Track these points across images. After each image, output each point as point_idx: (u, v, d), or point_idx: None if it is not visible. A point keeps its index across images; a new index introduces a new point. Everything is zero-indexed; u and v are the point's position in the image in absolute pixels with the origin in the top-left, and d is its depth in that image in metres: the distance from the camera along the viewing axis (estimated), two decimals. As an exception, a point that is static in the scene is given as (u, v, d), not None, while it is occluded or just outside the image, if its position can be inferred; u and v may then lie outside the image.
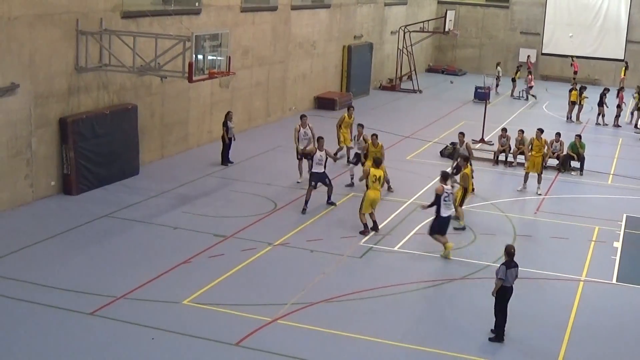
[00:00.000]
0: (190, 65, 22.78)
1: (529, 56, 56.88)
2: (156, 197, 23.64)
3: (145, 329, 15.12)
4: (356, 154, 26.55)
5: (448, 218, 20.11)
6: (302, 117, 26.90)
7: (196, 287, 17.14)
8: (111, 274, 17.76)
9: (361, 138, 26.27)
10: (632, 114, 42.00)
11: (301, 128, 26.29)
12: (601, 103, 40.82)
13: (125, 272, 17.88)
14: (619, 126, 40.26)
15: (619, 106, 40.72)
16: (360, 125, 26.80)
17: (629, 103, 43.02)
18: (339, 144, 28.41)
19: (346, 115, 28.93)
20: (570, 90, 41.93)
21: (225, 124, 27.86)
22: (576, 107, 41.16)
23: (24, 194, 22.27)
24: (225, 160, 27.95)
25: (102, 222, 21.24)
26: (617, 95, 41.35)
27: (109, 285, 16.97)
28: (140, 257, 18.89)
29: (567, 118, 41.25)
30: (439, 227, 20.00)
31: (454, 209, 20.73)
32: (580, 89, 41.64)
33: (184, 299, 16.55)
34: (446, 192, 19.81)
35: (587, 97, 41.09)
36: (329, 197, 23.74)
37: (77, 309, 15.75)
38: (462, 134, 27.28)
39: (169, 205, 22.92)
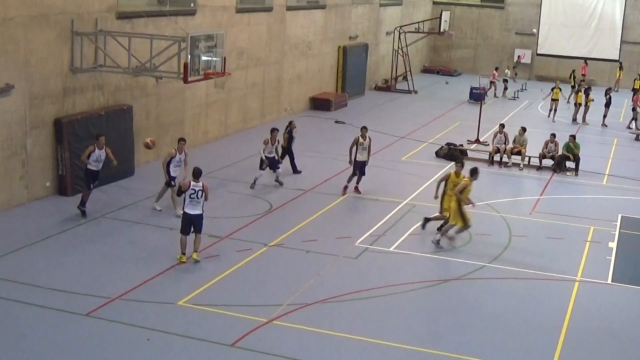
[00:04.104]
0: (185, 66, 22.79)
1: (519, 56, 57.09)
2: (151, 197, 23.59)
3: (141, 330, 15.10)
4: (268, 159, 25.23)
5: (192, 215, 18.61)
6: (181, 140, 22.87)
7: (192, 288, 17.13)
8: (107, 274, 17.74)
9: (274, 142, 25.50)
10: (555, 110, 41.95)
11: (177, 153, 22.26)
12: (608, 104, 40.92)
13: (121, 273, 17.86)
14: (630, 128, 40.07)
15: (634, 109, 40.67)
16: (276, 130, 25.81)
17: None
18: (441, 212, 21.96)
19: (453, 173, 21.81)
20: (577, 92, 42.04)
21: (290, 133, 27.39)
22: (581, 108, 41.23)
23: (19, 195, 22.24)
24: (295, 169, 27.44)
25: (98, 223, 21.22)
26: (632, 98, 41.34)
27: (105, 286, 16.95)
28: (135, 258, 18.86)
29: (573, 120, 41.26)
30: (182, 224, 18.81)
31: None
32: (586, 90, 41.71)
33: (179, 299, 16.54)
34: (192, 189, 18.54)
35: (593, 100, 41.12)
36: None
37: (73, 310, 15.73)
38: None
39: (164, 206, 22.87)
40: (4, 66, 21.23)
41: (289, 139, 27.35)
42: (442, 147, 31.67)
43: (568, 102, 44.75)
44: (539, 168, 30.20)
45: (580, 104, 41.34)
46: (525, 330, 16.24)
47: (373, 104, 43.88)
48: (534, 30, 57.25)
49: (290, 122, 28.08)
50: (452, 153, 31.04)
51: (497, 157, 30.66)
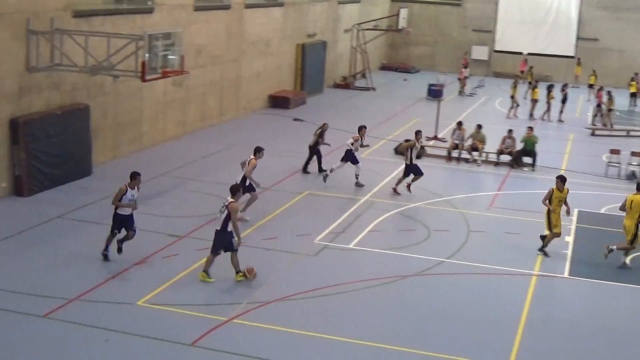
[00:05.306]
0: (143, 64, 22.69)
1: (466, 52, 57.54)
2: (110, 197, 23.33)
3: (100, 331, 15.00)
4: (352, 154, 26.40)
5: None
6: (262, 150, 22.58)
7: (151, 288, 17.05)
8: (65, 275, 17.60)
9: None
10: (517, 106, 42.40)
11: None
12: (564, 100, 41.39)
13: (79, 273, 17.73)
14: (604, 125, 40.43)
15: (599, 105, 41.09)
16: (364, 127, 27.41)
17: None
18: (550, 230, 20.73)
19: (555, 189, 20.73)
20: (533, 89, 42.47)
21: (322, 135, 27.67)
22: (538, 104, 41.66)
23: (-25, 196, 22.02)
24: (322, 169, 27.52)
25: (55, 223, 21.04)
26: (597, 95, 41.71)
27: (63, 287, 16.81)
28: (94, 258, 18.70)
29: (530, 116, 41.60)
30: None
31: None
32: (549, 87, 42.09)
33: (138, 299, 16.45)
34: (223, 203, 17.65)
35: (554, 98, 41.46)
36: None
37: (30, 312, 15.58)
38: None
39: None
40: (-42, 66, 21.00)
41: (319, 140, 27.67)
42: (401, 143, 31.77)
43: (525, 98, 45.13)
44: (497, 164, 30.47)
45: (536, 100, 41.76)
46: (484, 324, 16.38)
47: (332, 102, 43.96)
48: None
49: (324, 124, 28.39)
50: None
51: (455, 154, 30.90)
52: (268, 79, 40.68)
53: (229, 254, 17.60)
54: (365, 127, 27.42)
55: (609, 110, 40.21)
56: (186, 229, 20.90)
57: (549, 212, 20.59)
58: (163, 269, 18.18)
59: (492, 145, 30.95)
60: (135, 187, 18.64)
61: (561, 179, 20.65)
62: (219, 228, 17.56)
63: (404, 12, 53.55)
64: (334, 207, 23.79)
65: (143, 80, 23.11)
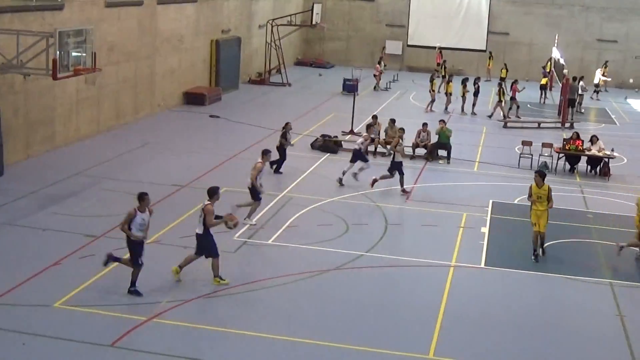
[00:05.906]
0: (54, 62, 22.28)
1: (383, 47, 58.11)
2: (23, 198, 22.98)
3: (16, 335, 14.69)
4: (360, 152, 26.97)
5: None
6: (269, 152, 22.46)
7: (68, 289, 16.75)
8: (-23, 279, 17.20)
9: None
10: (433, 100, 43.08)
11: (263, 166, 22.05)
12: (477, 93, 42.07)
13: (-8, 276, 17.35)
14: (519, 117, 41.26)
15: (513, 98, 41.82)
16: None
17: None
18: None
19: (533, 185, 20.33)
20: (448, 82, 43.03)
21: (285, 135, 27.53)
22: (451, 97, 42.31)
23: None
24: (279, 169, 27.57)
25: (-34, 226, 20.54)
26: (511, 88, 42.43)
27: (-24, 291, 16.45)
28: (7, 261, 18.30)
29: (445, 109, 42.09)
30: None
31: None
32: (463, 81, 42.68)
33: (55, 301, 16.15)
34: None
35: (468, 91, 42.05)
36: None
37: (-58, 317, 15.22)
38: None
39: (36, 206, 22.31)
40: None
41: (283, 140, 27.64)
42: (317, 138, 31.92)
43: (439, 92, 45.70)
44: (412, 157, 30.79)
45: (451, 94, 42.37)
46: (404, 316, 16.55)
47: (247, 98, 43.84)
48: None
49: (287, 123, 28.25)
50: (327, 144, 31.33)
51: (371, 148, 31.10)
52: (183, 76, 40.35)
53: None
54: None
55: (499, 101, 41.02)
56: (102, 229, 20.59)
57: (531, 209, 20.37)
58: (80, 270, 17.87)
59: (407, 138, 31.24)
60: (146, 210, 16.75)
61: (540, 174, 20.29)
62: (200, 232, 17.49)
63: (317, 8, 53.75)
64: (252, 203, 23.72)
65: (54, 78, 22.70)
